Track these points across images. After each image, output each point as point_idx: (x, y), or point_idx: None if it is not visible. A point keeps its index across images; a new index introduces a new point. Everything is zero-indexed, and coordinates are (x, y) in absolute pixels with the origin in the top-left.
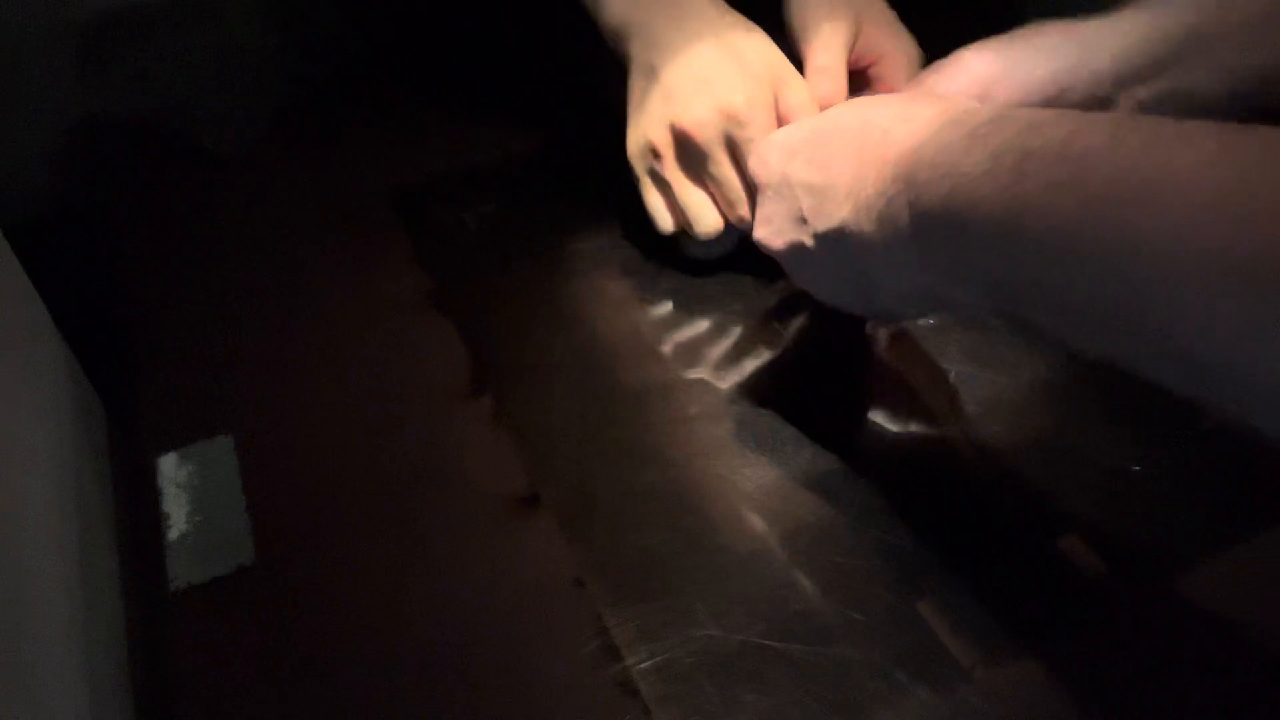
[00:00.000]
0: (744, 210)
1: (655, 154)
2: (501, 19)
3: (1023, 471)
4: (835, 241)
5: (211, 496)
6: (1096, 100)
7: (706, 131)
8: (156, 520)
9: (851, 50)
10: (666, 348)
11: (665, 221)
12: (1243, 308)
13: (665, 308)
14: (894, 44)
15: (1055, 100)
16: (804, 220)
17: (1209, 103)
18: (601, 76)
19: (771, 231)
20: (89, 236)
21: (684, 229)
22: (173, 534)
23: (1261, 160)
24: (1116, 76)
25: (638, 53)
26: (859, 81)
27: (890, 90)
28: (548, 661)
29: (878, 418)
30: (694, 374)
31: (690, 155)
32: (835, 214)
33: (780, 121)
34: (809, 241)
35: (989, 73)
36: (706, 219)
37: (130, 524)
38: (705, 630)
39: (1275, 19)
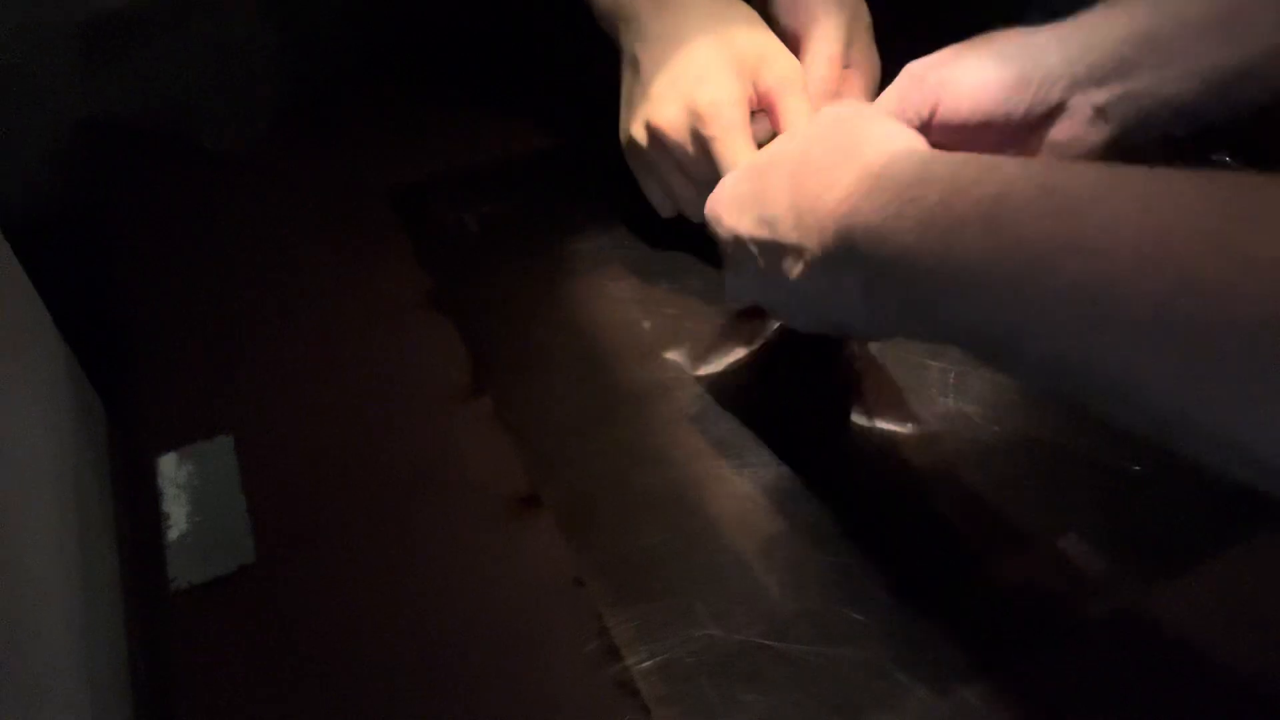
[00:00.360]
0: None
1: (642, 148)
2: (501, 19)
3: (1022, 471)
4: (794, 294)
5: (211, 496)
6: (1050, 105)
7: (677, 132)
8: (156, 520)
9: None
10: (667, 348)
11: (664, 209)
12: (1179, 362)
13: (666, 308)
14: (862, 58)
15: (1010, 106)
16: (763, 276)
17: (1166, 104)
18: (601, 75)
19: (739, 287)
20: (89, 236)
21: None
22: (173, 534)
23: (1178, 213)
24: (1071, 80)
25: (626, 43)
26: None
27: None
28: (548, 661)
29: (878, 419)
30: (694, 374)
31: (666, 150)
32: (789, 272)
33: (765, 101)
34: (774, 294)
35: (941, 84)
36: (693, 210)
37: (130, 524)
38: (705, 630)
39: (1229, 23)
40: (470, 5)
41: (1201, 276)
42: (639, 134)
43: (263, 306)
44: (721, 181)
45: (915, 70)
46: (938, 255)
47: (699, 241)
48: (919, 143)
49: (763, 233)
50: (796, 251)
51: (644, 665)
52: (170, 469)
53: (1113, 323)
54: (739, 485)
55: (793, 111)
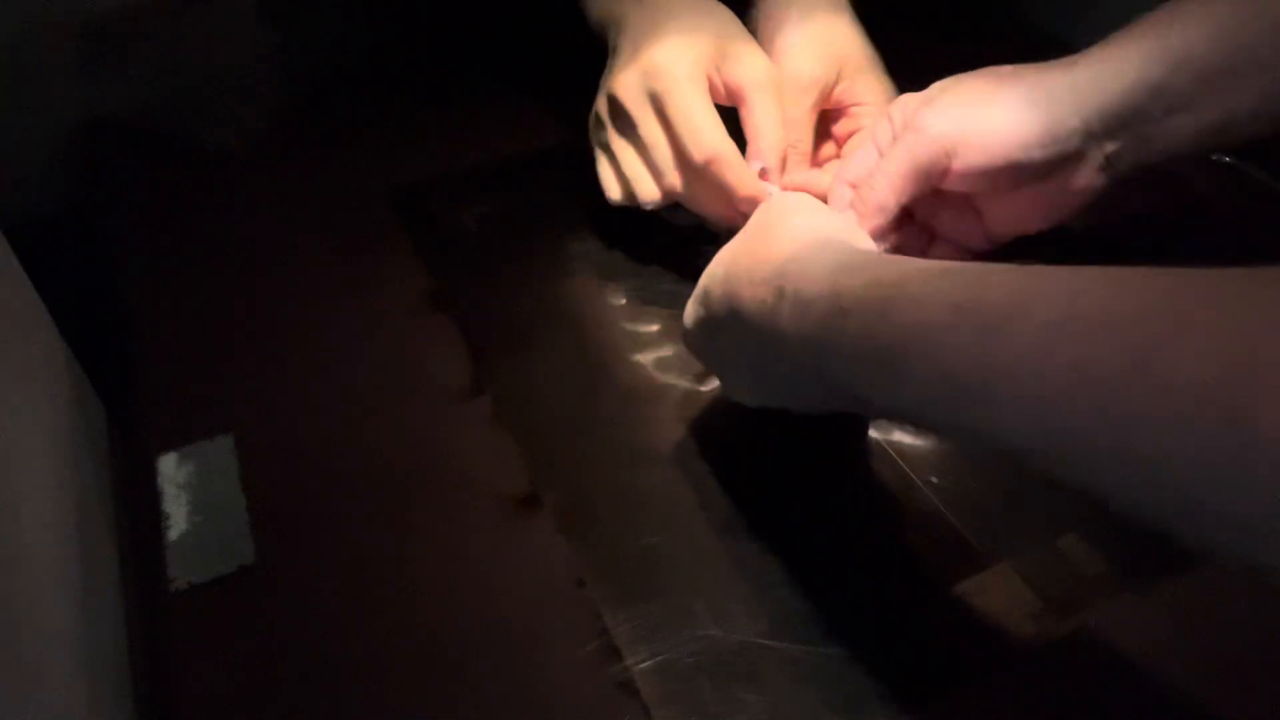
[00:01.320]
0: (672, 179)
1: (600, 123)
2: (501, 19)
3: (1022, 471)
4: (765, 387)
5: (211, 496)
6: (1067, 155)
7: (630, 91)
8: (156, 520)
9: (828, 97)
10: (667, 348)
11: (613, 191)
12: (1113, 474)
13: (666, 308)
14: (870, 91)
15: (1029, 155)
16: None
17: (1172, 149)
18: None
19: (726, 388)
20: (89, 236)
21: (631, 199)
22: (173, 534)
23: (1101, 329)
24: (1086, 131)
25: (612, 41)
26: (836, 117)
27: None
28: (548, 661)
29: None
30: (694, 374)
31: (624, 120)
32: (753, 376)
33: (734, 98)
34: (747, 382)
35: (951, 135)
36: (644, 188)
37: (130, 524)
38: (705, 630)
39: (1238, 68)
40: (470, 5)
41: (1124, 403)
42: (601, 107)
43: (263, 306)
44: (720, 252)
45: (927, 121)
46: (869, 382)
47: (699, 243)
48: (823, 230)
49: (702, 313)
50: (757, 355)
51: (644, 665)
52: (170, 469)
53: (1049, 445)
54: (739, 485)
55: (759, 109)
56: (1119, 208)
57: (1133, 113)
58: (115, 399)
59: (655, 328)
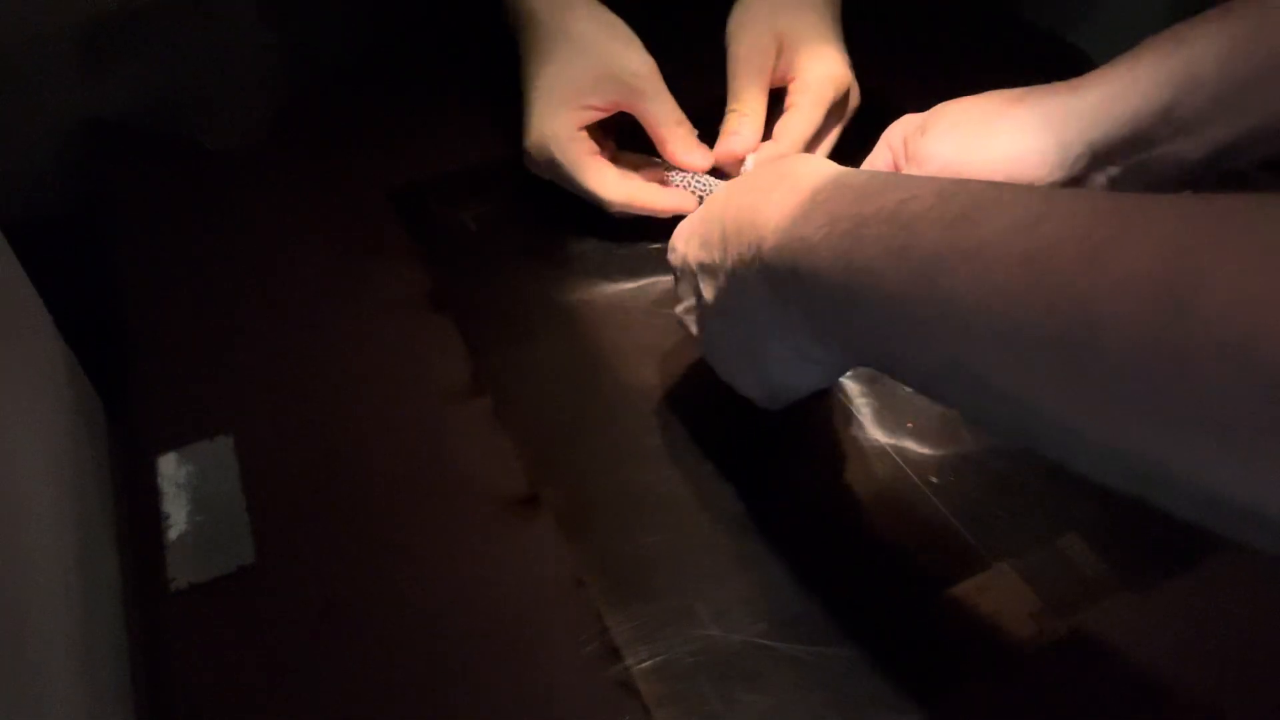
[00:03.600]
0: (613, 210)
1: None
2: (501, 19)
3: (1022, 472)
4: (721, 315)
5: (211, 496)
6: (1073, 178)
7: (537, 164)
8: (156, 520)
9: (771, 76)
10: (667, 348)
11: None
12: (1051, 376)
13: (666, 308)
14: (812, 65)
15: (1038, 178)
16: (701, 297)
17: (1173, 172)
18: None
19: (684, 310)
20: (89, 236)
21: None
22: (173, 534)
23: (1065, 226)
24: (1092, 156)
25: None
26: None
27: (791, 108)
28: (548, 661)
29: (879, 424)
30: (695, 374)
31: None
32: (718, 288)
33: (616, 103)
34: (709, 318)
35: (956, 163)
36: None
37: (130, 524)
38: (705, 630)
39: (1242, 91)
40: (470, 5)
41: (1076, 293)
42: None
43: (262, 306)
44: (685, 219)
45: (927, 147)
46: (842, 257)
47: None
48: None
49: (705, 255)
50: (728, 268)
51: (644, 665)
52: (170, 469)
53: (999, 334)
54: (739, 485)
55: (645, 101)
56: None
57: (1139, 136)
58: (115, 399)
59: (656, 327)
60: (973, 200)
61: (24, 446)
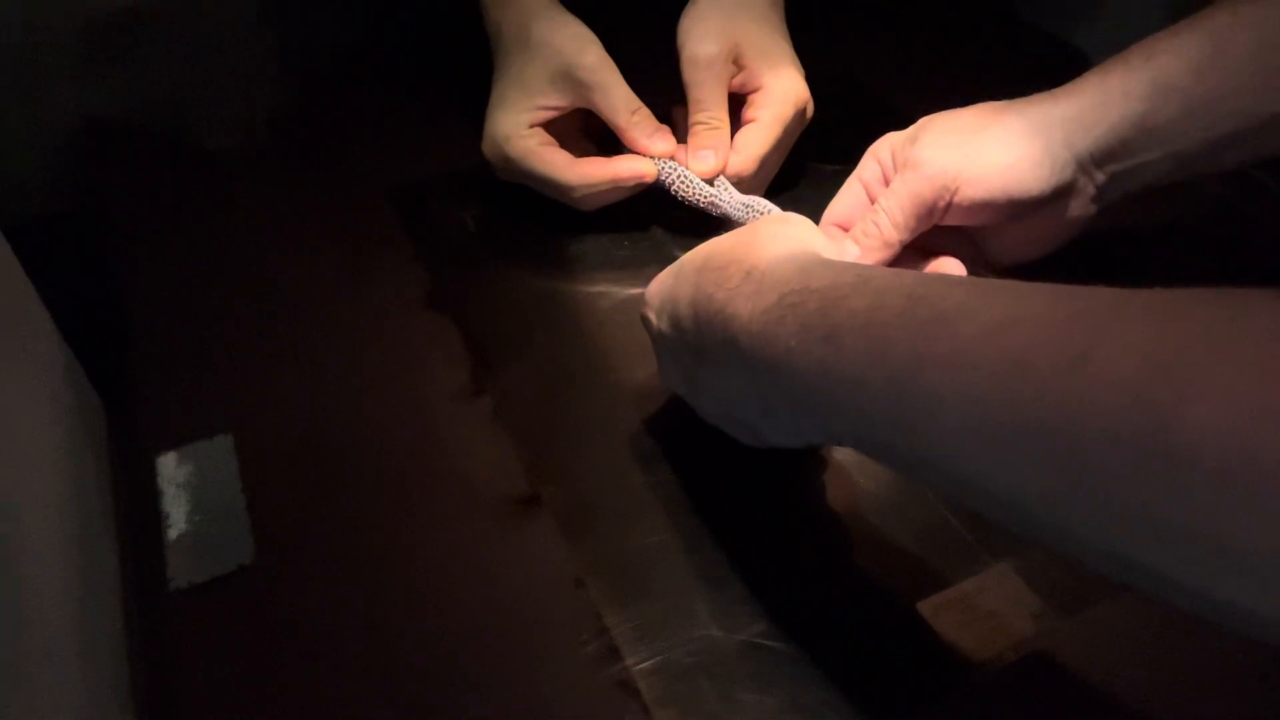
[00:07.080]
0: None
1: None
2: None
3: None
4: (707, 392)
5: (211, 496)
6: (1062, 187)
7: (498, 168)
8: (156, 520)
9: (729, 75)
10: None
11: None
12: (1040, 484)
13: None
14: (776, 80)
15: (1028, 188)
16: (682, 366)
17: (1155, 178)
18: None
19: (667, 379)
20: (89, 236)
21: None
22: (173, 534)
23: (1042, 333)
24: (1078, 165)
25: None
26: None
27: (752, 122)
28: (548, 661)
29: None
30: None
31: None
32: (700, 373)
33: (572, 99)
34: (691, 389)
35: (951, 171)
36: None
37: (130, 524)
38: (705, 630)
39: (1224, 98)
40: (470, 5)
41: (1057, 402)
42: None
43: (262, 306)
44: (652, 282)
45: (924, 158)
46: (818, 362)
47: (699, 242)
48: (809, 244)
49: (672, 331)
50: (697, 351)
51: (644, 665)
52: (170, 468)
53: (985, 439)
54: (739, 486)
55: (594, 95)
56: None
57: (1120, 144)
58: (115, 399)
59: None
60: (943, 302)
61: (24, 446)
